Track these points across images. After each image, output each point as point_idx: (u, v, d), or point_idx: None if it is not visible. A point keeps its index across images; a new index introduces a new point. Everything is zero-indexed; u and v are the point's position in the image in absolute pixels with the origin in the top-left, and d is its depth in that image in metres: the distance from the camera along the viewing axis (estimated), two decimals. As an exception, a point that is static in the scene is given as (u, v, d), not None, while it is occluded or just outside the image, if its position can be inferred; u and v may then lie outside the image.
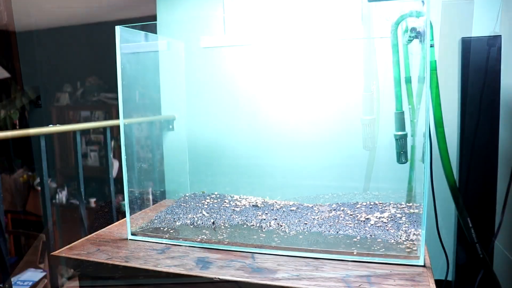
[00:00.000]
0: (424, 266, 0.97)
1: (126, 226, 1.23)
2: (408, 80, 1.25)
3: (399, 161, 1.27)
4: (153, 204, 1.55)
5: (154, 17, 1.67)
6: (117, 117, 3.01)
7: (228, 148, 1.63)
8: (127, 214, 1.21)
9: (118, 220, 1.42)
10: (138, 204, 1.38)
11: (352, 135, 1.43)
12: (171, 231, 1.21)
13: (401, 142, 1.26)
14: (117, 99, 1.12)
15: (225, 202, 1.45)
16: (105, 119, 3.27)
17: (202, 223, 1.26)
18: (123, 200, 1.18)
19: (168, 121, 1.72)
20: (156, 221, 1.29)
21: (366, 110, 1.27)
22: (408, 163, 1.28)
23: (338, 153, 1.48)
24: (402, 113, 1.26)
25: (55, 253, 1.10)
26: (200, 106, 1.66)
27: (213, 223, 1.25)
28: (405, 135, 1.26)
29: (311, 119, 1.50)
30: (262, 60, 1.55)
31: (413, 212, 1.23)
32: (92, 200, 3.23)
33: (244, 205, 1.41)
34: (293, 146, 1.54)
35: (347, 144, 1.46)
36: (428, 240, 1.17)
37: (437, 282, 1.24)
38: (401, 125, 1.25)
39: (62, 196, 3.12)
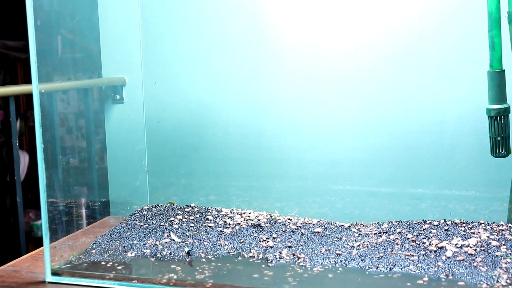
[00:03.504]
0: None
1: (43, 261, 1.21)
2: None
3: (496, 153, 1.27)
4: (90, 223, 1.56)
5: None
6: (27, 81, 2.98)
7: (213, 131, 1.62)
8: (45, 240, 1.19)
9: (28, 251, 1.43)
10: (64, 224, 1.38)
11: (419, 110, 1.43)
12: (119, 268, 1.21)
13: (499, 122, 1.25)
14: (25, 50, 1.09)
15: (207, 219, 1.46)
16: (5, 83, 3.25)
17: (171, 253, 1.27)
18: (38, 218, 1.16)
19: (114, 88, 1.71)
20: (94, 251, 1.30)
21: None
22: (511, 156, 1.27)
23: (393, 140, 1.47)
24: (502, 73, 1.25)
25: None
26: (166, 63, 1.65)
27: (188, 253, 1.26)
28: (507, 110, 1.25)
29: (351, 83, 1.49)
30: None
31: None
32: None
33: (239, 223, 1.43)
34: (320, 129, 1.53)
35: (409, 126, 1.45)
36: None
37: None
38: (498, 92, 1.24)
39: None
